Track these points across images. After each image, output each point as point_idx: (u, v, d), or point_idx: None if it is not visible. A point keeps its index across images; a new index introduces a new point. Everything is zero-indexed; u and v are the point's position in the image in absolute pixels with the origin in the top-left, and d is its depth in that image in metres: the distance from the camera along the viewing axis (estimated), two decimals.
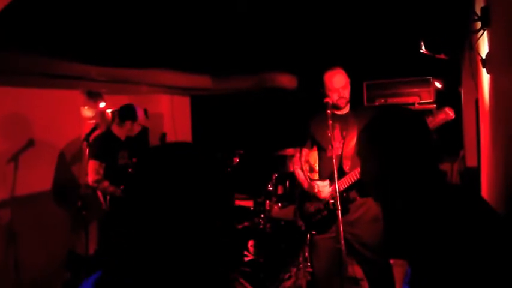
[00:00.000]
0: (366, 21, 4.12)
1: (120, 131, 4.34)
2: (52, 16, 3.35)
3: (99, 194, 4.19)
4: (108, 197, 4.15)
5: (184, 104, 6.50)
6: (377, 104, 4.91)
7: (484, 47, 2.11)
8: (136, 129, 4.41)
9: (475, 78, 2.79)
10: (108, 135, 4.32)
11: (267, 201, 4.60)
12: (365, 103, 4.97)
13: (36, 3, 3.06)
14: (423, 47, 2.73)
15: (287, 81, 5.44)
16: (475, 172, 3.69)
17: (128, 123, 4.32)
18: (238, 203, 4.71)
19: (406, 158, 1.37)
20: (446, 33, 2.56)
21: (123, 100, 5.56)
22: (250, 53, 4.92)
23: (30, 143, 4.21)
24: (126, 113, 4.36)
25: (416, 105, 4.71)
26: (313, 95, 3.65)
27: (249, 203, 4.67)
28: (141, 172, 0.98)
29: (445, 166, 4.82)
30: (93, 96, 5.14)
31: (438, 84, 4.71)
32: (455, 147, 4.64)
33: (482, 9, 1.93)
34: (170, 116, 6.28)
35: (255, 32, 4.43)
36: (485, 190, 2.80)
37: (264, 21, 4.24)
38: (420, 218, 1.34)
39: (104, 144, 4.20)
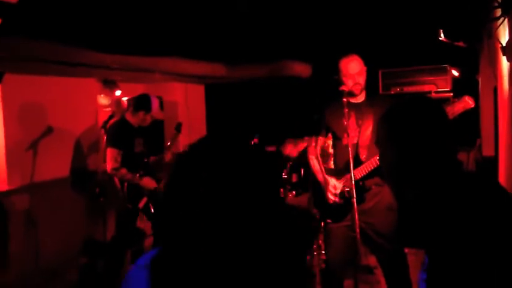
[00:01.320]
0: (382, 9, 4.08)
1: (133, 119, 4.38)
2: (69, 4, 3.38)
3: (116, 181, 4.24)
4: (125, 184, 4.21)
5: (198, 92, 6.52)
6: (393, 92, 4.87)
7: (504, 35, 2.08)
8: (148, 120, 4.45)
9: (493, 66, 2.75)
10: (122, 122, 4.36)
11: (281, 189, 4.62)
12: (380, 91, 4.94)
13: None
14: (442, 35, 2.70)
15: (301, 69, 5.42)
16: (492, 161, 3.66)
17: (141, 113, 4.36)
18: None
19: (426, 147, 1.38)
20: (464, 21, 2.53)
21: (139, 88, 5.61)
22: (265, 41, 4.91)
23: (49, 131, 4.28)
24: (140, 103, 4.39)
25: (433, 94, 4.66)
26: (327, 84, 3.64)
27: None
28: (196, 161, 0.99)
29: (461, 155, 4.78)
30: (109, 85, 5.18)
31: (455, 72, 4.65)
32: (471, 136, 4.60)
33: None
34: (184, 104, 6.31)
35: (269, 19, 4.42)
36: (503, 177, 2.79)
37: (279, 8, 4.23)
38: (438, 205, 1.35)
39: (119, 132, 4.25)
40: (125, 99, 5.32)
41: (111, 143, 4.16)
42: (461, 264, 1.22)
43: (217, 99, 6.42)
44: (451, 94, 4.54)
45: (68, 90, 4.61)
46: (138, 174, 4.19)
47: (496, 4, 1.94)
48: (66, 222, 4.42)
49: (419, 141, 1.38)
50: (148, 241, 4.96)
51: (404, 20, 4.19)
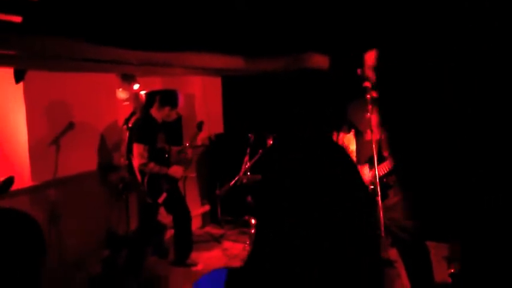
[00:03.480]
0: (403, 5, 4.02)
1: (158, 114, 4.44)
2: (89, 2, 3.39)
3: (138, 175, 4.29)
4: (146, 180, 4.26)
5: (215, 84, 6.51)
6: None
7: None
8: (173, 115, 4.51)
9: None
10: (147, 118, 4.42)
11: None
12: None
13: None
14: None
15: (320, 61, 5.38)
16: None
17: (167, 109, 4.42)
18: None
19: None
20: None
21: (157, 82, 5.63)
22: (283, 33, 4.87)
23: (70, 126, 4.32)
24: (167, 98, 4.47)
25: None
26: (346, 77, 3.62)
27: None
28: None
29: None
30: (128, 79, 5.21)
31: None
32: None
33: None
34: (201, 96, 6.32)
35: (287, 11, 4.38)
36: None
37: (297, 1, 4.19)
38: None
39: (145, 128, 4.32)
40: (142, 92, 5.35)
41: (137, 138, 4.23)
42: (496, 254, 1.22)
43: (235, 92, 6.42)
44: None
45: (88, 85, 4.64)
46: (165, 166, 4.32)
47: None
48: (89, 216, 4.49)
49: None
50: (169, 234, 5.03)
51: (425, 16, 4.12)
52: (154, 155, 4.29)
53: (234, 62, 5.37)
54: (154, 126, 4.39)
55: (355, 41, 5.05)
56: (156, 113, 4.43)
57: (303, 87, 5.69)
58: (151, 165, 4.24)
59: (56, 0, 3.20)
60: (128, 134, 4.44)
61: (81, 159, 4.52)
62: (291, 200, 0.92)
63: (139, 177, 4.29)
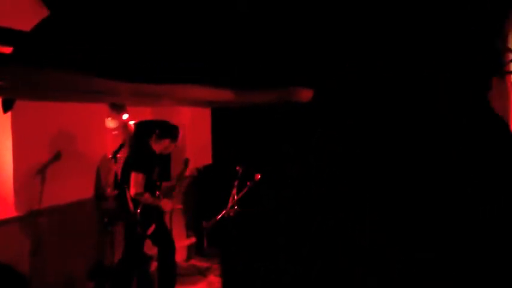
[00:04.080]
0: (393, 41, 4.10)
1: (156, 146, 4.45)
2: (79, 33, 3.41)
3: (131, 204, 4.24)
4: (139, 208, 4.23)
5: (205, 115, 6.54)
6: None
7: None
8: (172, 148, 4.55)
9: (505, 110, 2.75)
10: (147, 148, 4.43)
11: None
12: None
13: (64, 22, 3.12)
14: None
15: (309, 95, 5.44)
16: None
17: (167, 141, 4.48)
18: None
19: None
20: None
21: (146, 112, 5.64)
22: (273, 66, 4.93)
23: (57, 156, 4.29)
24: (167, 131, 4.53)
25: None
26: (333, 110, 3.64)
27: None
28: None
29: None
30: (117, 108, 5.21)
31: None
32: None
33: None
34: (191, 127, 6.32)
35: (278, 45, 4.45)
36: None
37: (288, 35, 4.26)
38: None
39: (144, 157, 4.35)
40: (131, 122, 5.35)
41: (136, 167, 4.21)
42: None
43: (225, 123, 6.44)
44: None
45: (77, 115, 4.63)
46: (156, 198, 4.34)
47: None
48: (74, 247, 4.42)
49: None
50: (153, 266, 4.96)
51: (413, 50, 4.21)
52: (149, 186, 4.28)
53: (223, 95, 5.40)
54: (152, 157, 4.41)
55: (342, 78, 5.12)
56: (154, 144, 4.43)
57: (291, 122, 5.72)
58: (147, 195, 4.24)
59: (48, 31, 3.22)
60: (122, 162, 4.42)
61: (67, 189, 4.46)
62: (285, 236, 0.94)
63: (131, 206, 4.24)
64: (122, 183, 4.37)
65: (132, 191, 4.19)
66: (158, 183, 4.47)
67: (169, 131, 4.54)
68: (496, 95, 3.17)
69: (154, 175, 4.41)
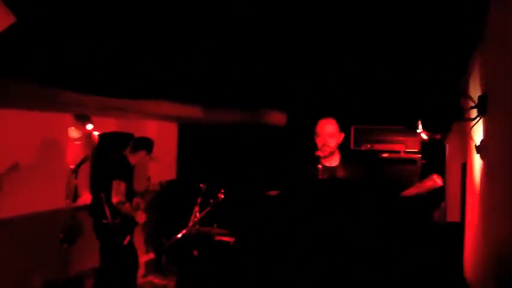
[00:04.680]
0: (361, 66, 4.19)
1: (131, 158, 4.40)
2: (45, 44, 3.34)
3: (108, 212, 4.12)
4: (118, 219, 4.14)
5: (171, 130, 6.48)
6: (363, 148, 5.00)
7: (478, 134, 2.18)
8: (146, 160, 4.56)
9: (464, 146, 2.87)
10: (124, 158, 4.38)
11: None
12: (352, 147, 5.06)
13: (30, 32, 3.06)
14: (420, 127, 2.81)
15: (278, 118, 5.50)
16: (457, 227, 3.75)
17: (142, 153, 4.42)
18: (219, 238, 4.69)
19: None
20: (440, 116, 2.64)
21: (111, 123, 5.54)
22: (243, 87, 4.96)
23: (15, 167, 4.14)
24: (142, 143, 4.49)
25: (402, 154, 4.81)
26: (303, 135, 3.68)
27: (230, 239, 4.68)
28: None
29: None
30: (81, 119, 5.11)
31: (424, 136, 4.82)
32: (438, 197, 4.72)
33: (479, 97, 2.01)
34: (156, 141, 6.24)
35: (249, 67, 4.48)
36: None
37: (259, 57, 4.30)
38: None
39: (125, 166, 4.30)
40: (96, 133, 5.25)
41: (118, 175, 4.14)
42: None
43: (191, 139, 6.41)
44: (419, 156, 4.69)
45: (38, 123, 4.50)
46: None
47: (473, 105, 2.05)
48: (27, 260, 4.26)
49: None
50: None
51: (383, 79, 4.31)
52: (128, 196, 4.22)
53: (191, 111, 5.39)
54: (130, 168, 4.37)
55: (313, 101, 5.22)
56: (130, 156, 4.39)
57: (262, 143, 5.76)
58: (128, 204, 4.17)
59: (13, 41, 3.14)
60: (104, 170, 4.30)
61: (24, 201, 4.31)
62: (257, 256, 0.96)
63: (109, 216, 4.13)
64: (97, 191, 4.25)
65: (114, 199, 4.09)
66: (134, 193, 4.40)
67: (143, 142, 4.50)
68: (456, 138, 3.33)
69: (132, 185, 4.34)
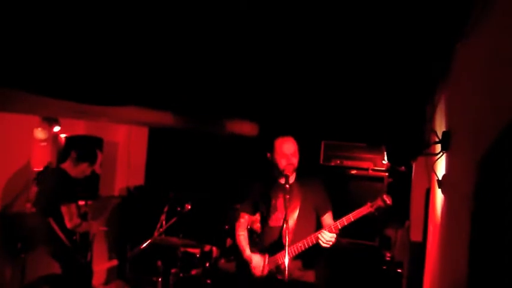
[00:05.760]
0: (333, 80, 4.21)
1: (72, 170, 4.13)
2: (14, 48, 3.25)
3: (63, 236, 3.94)
4: (78, 236, 4.03)
5: (142, 134, 6.39)
6: (333, 164, 5.03)
7: (440, 169, 2.22)
8: (88, 172, 4.25)
9: (429, 172, 2.91)
10: (62, 175, 4.07)
11: (214, 249, 4.58)
12: (321, 162, 5.08)
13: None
14: (385, 158, 2.85)
15: (248, 128, 5.48)
16: (420, 247, 3.81)
17: (85, 165, 4.17)
18: (184, 249, 4.64)
19: None
20: (405, 149, 2.69)
21: (80, 125, 5.41)
22: (214, 96, 4.92)
23: None
24: (85, 154, 4.20)
25: (370, 171, 4.86)
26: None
27: (196, 251, 4.64)
28: None
29: (389, 231, 4.97)
30: (49, 120, 4.97)
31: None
32: (402, 215, 4.78)
33: (443, 133, 2.04)
34: (125, 145, 6.15)
35: (220, 76, 4.45)
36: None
37: (231, 68, 4.28)
38: None
39: (64, 185, 4.01)
40: (63, 136, 5.12)
41: (62, 199, 3.89)
42: None
43: (161, 144, 6.33)
44: (386, 174, 4.75)
45: (0, 123, 4.36)
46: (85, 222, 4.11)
47: (437, 140, 2.08)
48: None
49: None
50: None
51: (354, 96, 4.33)
52: (80, 212, 4.07)
53: (163, 118, 5.32)
54: (70, 183, 4.07)
55: (284, 112, 5.22)
56: (70, 168, 4.12)
57: (234, 153, 5.73)
58: (84, 224, 4.01)
59: None
60: (47, 194, 4.07)
61: None
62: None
63: (66, 240, 3.94)
64: (45, 216, 3.95)
65: (69, 224, 3.86)
66: (84, 204, 4.29)
67: (86, 154, 4.21)
68: (421, 167, 3.38)
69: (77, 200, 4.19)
